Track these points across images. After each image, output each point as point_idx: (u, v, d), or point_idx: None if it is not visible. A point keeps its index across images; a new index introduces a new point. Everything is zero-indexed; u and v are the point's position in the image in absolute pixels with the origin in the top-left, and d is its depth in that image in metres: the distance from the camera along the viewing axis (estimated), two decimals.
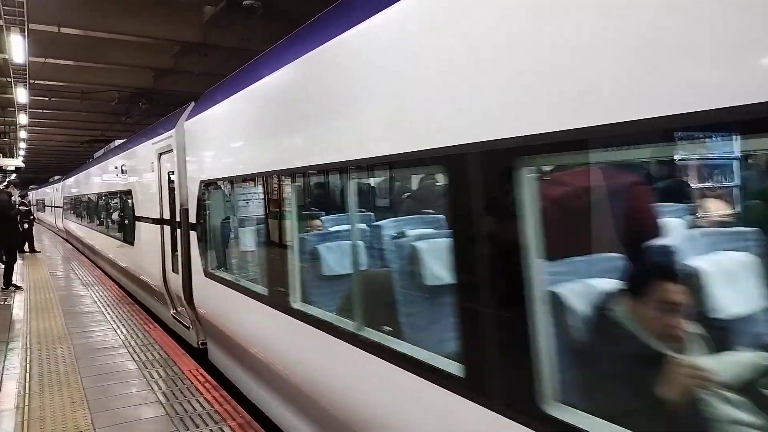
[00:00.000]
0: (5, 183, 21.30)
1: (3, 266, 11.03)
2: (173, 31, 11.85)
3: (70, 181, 21.73)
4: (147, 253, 8.52)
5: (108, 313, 8.45)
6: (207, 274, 5.81)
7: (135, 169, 9.73)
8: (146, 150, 8.56)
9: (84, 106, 19.67)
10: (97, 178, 14.54)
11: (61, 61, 13.74)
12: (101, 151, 15.77)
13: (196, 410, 4.54)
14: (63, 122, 24.35)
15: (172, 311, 7.60)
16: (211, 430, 4.18)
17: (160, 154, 7.64)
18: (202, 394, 4.90)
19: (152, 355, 6.13)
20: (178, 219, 6.83)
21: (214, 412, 4.50)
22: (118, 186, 11.42)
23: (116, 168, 11.46)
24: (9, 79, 12.99)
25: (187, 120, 6.52)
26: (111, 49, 13.36)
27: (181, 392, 4.95)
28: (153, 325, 7.60)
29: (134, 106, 18.82)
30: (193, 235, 6.18)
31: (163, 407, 4.62)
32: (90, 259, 15.84)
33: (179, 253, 6.75)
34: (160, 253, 7.64)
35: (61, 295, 10.04)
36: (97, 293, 10.25)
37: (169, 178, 7.23)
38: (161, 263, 7.62)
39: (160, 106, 17.29)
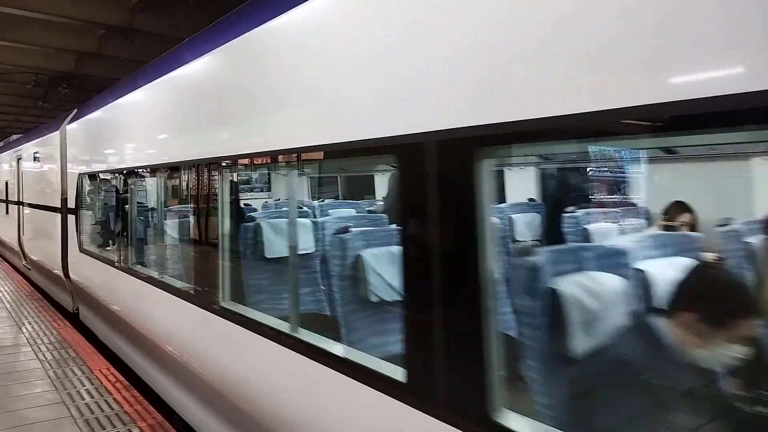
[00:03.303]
0: None
1: None
2: (96, 12, 11.22)
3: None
4: None
5: (13, 309, 7.88)
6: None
7: None
8: None
9: None
10: None
11: None
12: None
13: (104, 411, 4.31)
14: None
15: None
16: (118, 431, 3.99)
17: None
18: (111, 394, 4.66)
19: (59, 353, 5.77)
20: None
21: (123, 413, 4.28)
22: None
23: None
24: None
25: None
26: (27, 27, 12.51)
27: (89, 393, 4.69)
28: (62, 323, 7.16)
29: (53, 91, 17.70)
30: None
31: (68, 408, 4.35)
32: None
33: None
34: None
35: None
36: (1, 288, 9.54)
37: None
38: None
39: (82, 92, 16.36)
